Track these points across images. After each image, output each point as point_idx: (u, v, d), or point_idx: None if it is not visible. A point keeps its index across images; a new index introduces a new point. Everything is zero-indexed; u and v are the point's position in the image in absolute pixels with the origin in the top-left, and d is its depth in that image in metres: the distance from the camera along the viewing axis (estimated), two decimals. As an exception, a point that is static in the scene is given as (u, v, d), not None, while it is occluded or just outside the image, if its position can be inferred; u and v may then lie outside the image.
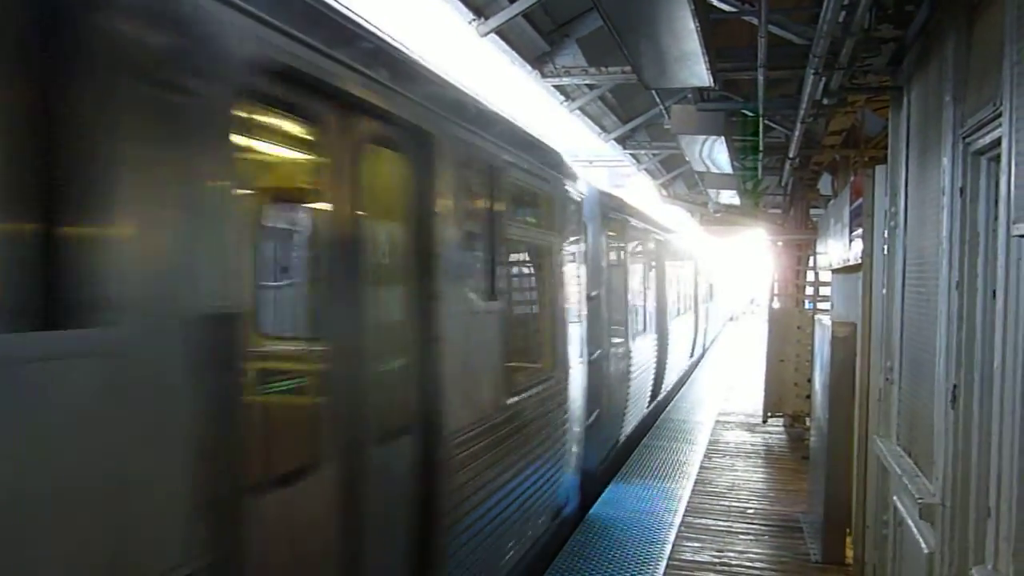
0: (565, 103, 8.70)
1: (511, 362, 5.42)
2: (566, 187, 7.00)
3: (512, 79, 7.84)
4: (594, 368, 8.30)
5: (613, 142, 11.02)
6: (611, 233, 9.73)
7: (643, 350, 11.51)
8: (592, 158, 15.29)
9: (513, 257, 5.76)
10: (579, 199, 7.53)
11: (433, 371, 4.15)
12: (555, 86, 8.11)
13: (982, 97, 3.32)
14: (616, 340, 9.66)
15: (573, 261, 7.23)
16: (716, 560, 7.02)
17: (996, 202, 3.19)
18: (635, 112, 10.59)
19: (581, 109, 9.16)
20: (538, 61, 7.46)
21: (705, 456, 10.94)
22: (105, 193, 2.08)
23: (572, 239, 7.19)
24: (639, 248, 11.91)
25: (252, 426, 2.81)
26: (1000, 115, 2.99)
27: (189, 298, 2.36)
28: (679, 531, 7.71)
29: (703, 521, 8.08)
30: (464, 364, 4.60)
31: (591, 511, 8.20)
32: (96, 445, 2.03)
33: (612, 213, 9.81)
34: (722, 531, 7.80)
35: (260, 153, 3.09)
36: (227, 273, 2.56)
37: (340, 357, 3.40)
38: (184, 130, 2.36)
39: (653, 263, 13.06)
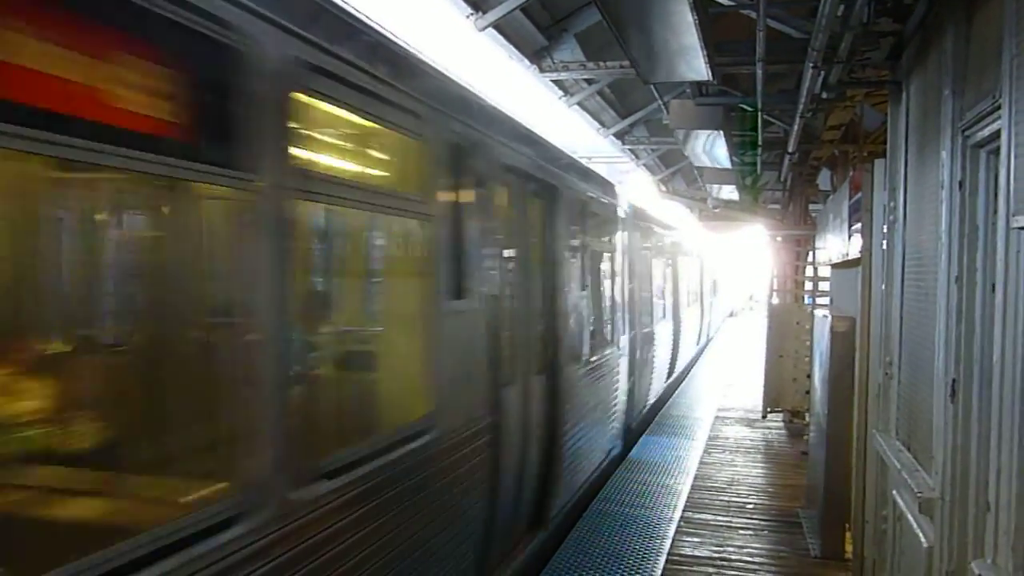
0: (563, 98, 8.69)
1: (594, 333, 8.32)
2: (617, 208, 9.72)
3: (510, 74, 7.83)
4: (632, 345, 10.44)
5: (612, 137, 11.00)
6: (641, 238, 11.60)
7: (663, 334, 13.51)
8: (591, 154, 15.28)
9: (592, 261, 8.31)
10: (624, 216, 10.13)
11: (558, 334, 6.80)
12: (553, 81, 8.10)
13: (981, 90, 3.31)
14: (644, 324, 11.58)
15: (620, 262, 9.91)
16: (715, 555, 7.02)
17: (995, 195, 3.18)
18: (634, 107, 10.58)
19: (580, 104, 9.14)
20: (536, 56, 7.45)
21: (705, 451, 10.95)
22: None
23: (620, 246, 9.92)
24: (659, 249, 13.88)
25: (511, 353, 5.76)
26: (999, 108, 2.98)
27: (494, 288, 5.32)
28: (678, 526, 7.71)
29: (702, 516, 8.09)
30: (570, 331, 7.15)
31: (630, 454, 10.62)
32: (468, 347, 4.80)
33: (641, 222, 11.66)
34: (721, 526, 7.80)
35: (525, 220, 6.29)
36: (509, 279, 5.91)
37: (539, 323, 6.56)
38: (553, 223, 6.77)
39: (669, 261, 15.14)
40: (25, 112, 2.05)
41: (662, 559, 6.85)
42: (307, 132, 3.28)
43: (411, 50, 4.21)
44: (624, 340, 9.78)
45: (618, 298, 9.59)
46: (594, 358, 8.05)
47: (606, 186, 9.08)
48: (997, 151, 3.07)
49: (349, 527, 3.39)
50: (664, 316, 13.94)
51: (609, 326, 9.15)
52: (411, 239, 4.39)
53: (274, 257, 2.94)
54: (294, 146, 3.07)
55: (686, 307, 16.98)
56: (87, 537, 2.41)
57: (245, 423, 2.85)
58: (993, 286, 3.11)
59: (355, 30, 3.61)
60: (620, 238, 9.86)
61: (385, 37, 3.89)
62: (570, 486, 7.28)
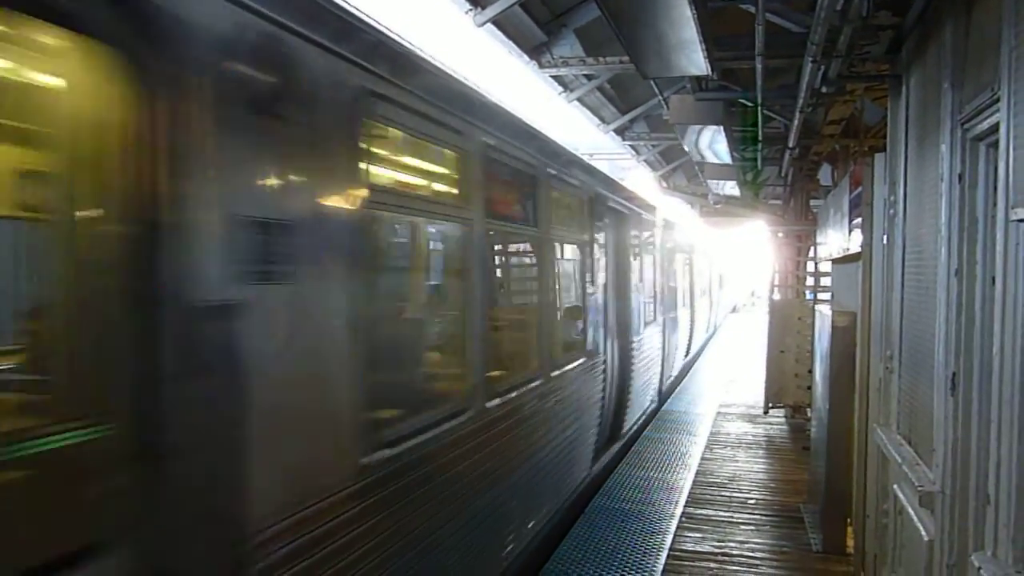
0: (563, 93, 8.68)
1: (645, 315, 11.32)
2: (654, 218, 12.38)
3: (509, 69, 7.82)
4: (664, 325, 13.36)
5: (612, 133, 11.00)
6: (668, 239, 14.20)
7: (682, 319, 16.37)
8: (592, 151, 15.27)
9: (643, 263, 11.29)
10: (660, 223, 13.04)
11: (629, 313, 10.08)
12: (553, 76, 8.09)
13: (980, 83, 3.30)
14: (671, 310, 14.52)
15: (658, 262, 12.92)
16: (717, 550, 7.03)
17: (995, 188, 3.17)
18: (634, 103, 10.58)
19: (580, 100, 9.14)
20: (535, 51, 7.44)
21: (706, 447, 10.95)
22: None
23: (658, 250, 12.98)
24: (679, 247, 16.35)
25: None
26: (998, 100, 2.97)
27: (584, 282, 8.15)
28: (680, 521, 7.72)
29: (704, 511, 8.09)
30: (632, 311, 10.25)
31: (663, 408, 13.74)
32: (598, 317, 8.69)
33: (669, 227, 14.39)
34: (723, 521, 7.80)
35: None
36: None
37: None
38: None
39: (688, 261, 18.02)
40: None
41: (664, 554, 6.85)
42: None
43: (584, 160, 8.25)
44: (660, 320, 12.99)
45: (657, 290, 12.73)
46: (644, 331, 11.23)
47: (648, 202, 12.07)
48: (996, 144, 3.06)
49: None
50: (684, 305, 17.05)
51: (652, 311, 12.26)
52: (582, 257, 8.11)
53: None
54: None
55: (700, 297, 20.65)
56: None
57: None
58: (993, 279, 3.11)
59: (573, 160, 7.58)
60: (658, 244, 13.07)
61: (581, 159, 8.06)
62: (631, 418, 10.73)
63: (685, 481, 9.15)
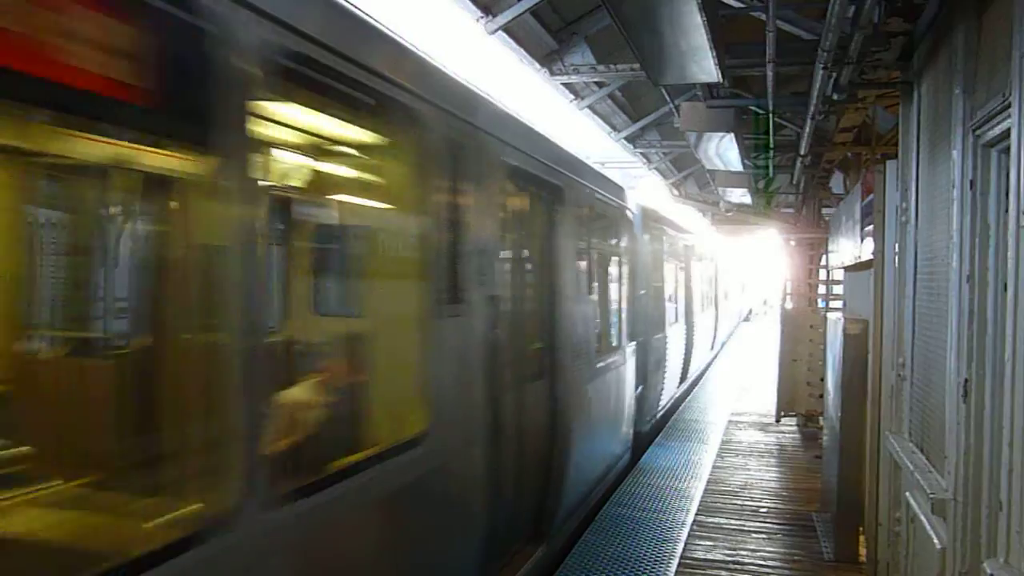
0: (574, 101, 8.70)
1: (670, 314, 12.74)
2: (692, 239, 15.23)
3: (521, 77, 7.85)
4: (687, 325, 14.99)
5: (623, 141, 11.01)
6: (696, 252, 16.38)
7: (708, 319, 19.16)
8: (604, 160, 15.29)
9: (677, 272, 13.86)
10: (691, 244, 15.60)
11: (652, 311, 11.03)
12: (564, 84, 8.11)
13: (991, 89, 3.30)
14: (695, 312, 16.01)
15: (691, 274, 15.65)
16: (728, 558, 6.99)
17: (1007, 194, 3.17)
18: (645, 111, 10.59)
19: (591, 108, 9.16)
20: (547, 59, 7.47)
21: (718, 456, 10.90)
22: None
23: (688, 261, 15.23)
24: (704, 258, 18.48)
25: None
26: (1009, 106, 2.97)
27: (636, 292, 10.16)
28: (691, 530, 7.68)
29: (716, 520, 8.06)
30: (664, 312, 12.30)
31: (693, 391, 16.40)
32: (657, 311, 12.05)
33: (699, 243, 16.72)
34: (735, 530, 7.77)
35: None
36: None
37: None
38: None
39: (711, 267, 20.55)
40: None
41: (675, 563, 6.82)
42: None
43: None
44: (681, 323, 14.61)
45: (687, 295, 15.04)
46: (675, 324, 13.55)
47: (697, 222, 15.24)
48: (1008, 150, 3.06)
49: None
50: (712, 305, 20.17)
51: (685, 311, 14.97)
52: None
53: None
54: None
55: (723, 300, 24.00)
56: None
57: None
58: (1005, 285, 3.10)
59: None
60: (690, 257, 15.47)
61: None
62: (694, 369, 14.87)
63: (696, 489, 9.11)
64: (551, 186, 6.25)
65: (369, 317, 4.23)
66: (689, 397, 15.87)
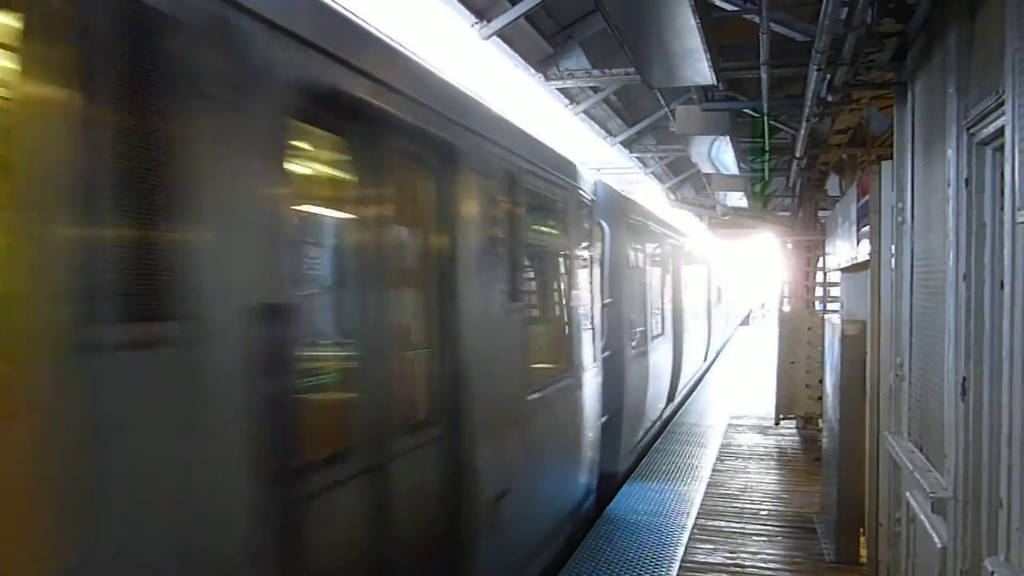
0: (570, 106, 8.72)
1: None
2: (679, 238, 14.62)
3: (516, 82, 7.86)
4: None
5: (619, 145, 11.03)
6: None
7: (700, 325, 18.40)
8: (601, 165, 15.34)
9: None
10: (679, 243, 14.56)
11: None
12: (559, 89, 8.13)
13: (985, 87, 3.31)
14: (692, 318, 16.09)
15: (700, 279, 17.93)
16: (729, 561, 6.98)
17: (1002, 192, 3.17)
18: (640, 115, 10.61)
19: (586, 112, 9.18)
20: (542, 64, 7.48)
21: (717, 459, 10.89)
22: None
23: (675, 262, 14.30)
24: (695, 259, 17.80)
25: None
26: (1003, 103, 2.98)
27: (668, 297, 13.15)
28: (692, 533, 7.67)
29: (716, 523, 8.05)
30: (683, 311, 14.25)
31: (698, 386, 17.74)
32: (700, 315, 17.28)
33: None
34: (735, 532, 7.76)
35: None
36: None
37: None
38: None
39: (712, 274, 20.94)
40: None
41: (676, 566, 6.81)
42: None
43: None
44: (694, 325, 16.07)
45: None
46: (683, 326, 14.22)
47: (707, 240, 17.11)
48: (1002, 148, 3.07)
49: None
50: (705, 312, 19.88)
51: (707, 317, 18.87)
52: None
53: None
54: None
55: (719, 305, 24.02)
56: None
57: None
58: (1002, 283, 3.10)
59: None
60: (683, 261, 15.09)
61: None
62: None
63: (697, 493, 9.10)
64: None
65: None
66: (680, 411, 14.77)
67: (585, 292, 7.29)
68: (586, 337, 7.27)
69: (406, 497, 3.79)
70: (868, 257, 6.08)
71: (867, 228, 6.11)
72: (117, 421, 2.09)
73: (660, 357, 11.66)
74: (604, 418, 8.12)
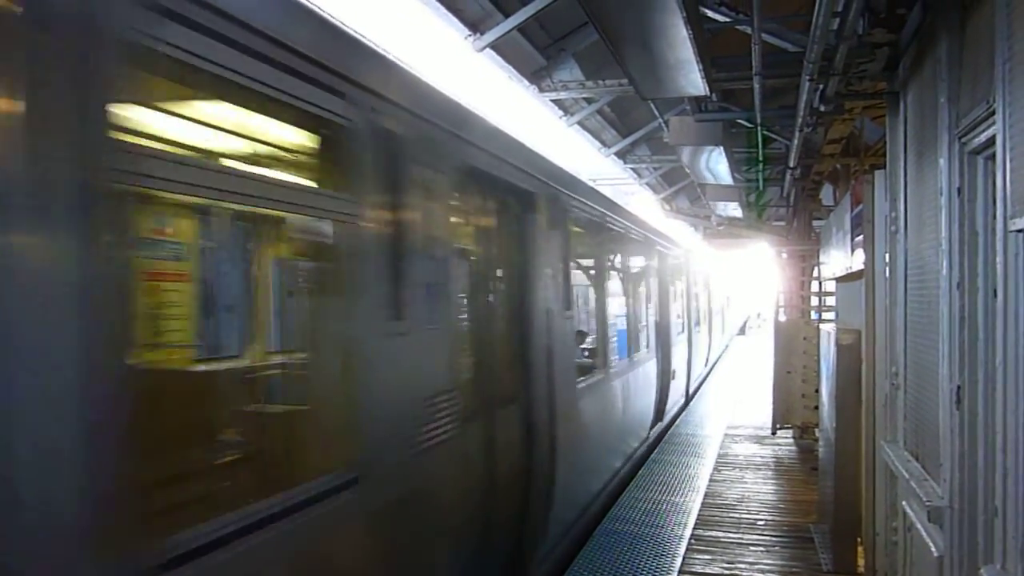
0: (564, 117, 8.75)
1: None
2: (701, 264, 16.83)
3: (510, 94, 7.89)
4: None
5: (614, 157, 11.07)
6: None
7: (704, 333, 19.91)
8: (595, 176, 15.38)
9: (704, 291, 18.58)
10: (703, 265, 17.24)
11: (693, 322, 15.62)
12: (553, 100, 8.16)
13: (975, 96, 3.33)
14: (701, 322, 18.45)
15: (700, 293, 18.45)
16: (727, 572, 6.96)
17: (993, 200, 3.19)
18: (634, 126, 10.65)
19: (580, 123, 9.21)
20: (535, 76, 7.51)
21: (714, 469, 10.87)
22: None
23: (706, 286, 18.55)
24: (704, 277, 19.65)
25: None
26: (993, 112, 2.99)
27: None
28: (689, 543, 7.65)
29: (713, 533, 8.02)
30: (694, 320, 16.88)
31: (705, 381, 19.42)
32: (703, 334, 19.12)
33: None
34: (733, 543, 7.74)
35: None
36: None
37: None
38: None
39: (709, 285, 21.49)
40: None
41: (673, 577, 6.79)
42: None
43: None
44: (699, 331, 17.58)
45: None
46: (695, 331, 16.49)
47: (703, 255, 18.53)
48: (993, 156, 3.09)
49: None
50: (717, 313, 23.40)
51: (720, 321, 20.94)
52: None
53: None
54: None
55: (725, 312, 28.18)
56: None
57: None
58: (995, 291, 3.11)
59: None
60: (701, 279, 17.97)
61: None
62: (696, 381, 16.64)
63: (694, 503, 9.08)
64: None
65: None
66: (676, 422, 14.39)
67: (721, 298, 21.23)
68: (715, 309, 19.82)
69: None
70: (862, 266, 6.09)
71: (861, 237, 6.13)
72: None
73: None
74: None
